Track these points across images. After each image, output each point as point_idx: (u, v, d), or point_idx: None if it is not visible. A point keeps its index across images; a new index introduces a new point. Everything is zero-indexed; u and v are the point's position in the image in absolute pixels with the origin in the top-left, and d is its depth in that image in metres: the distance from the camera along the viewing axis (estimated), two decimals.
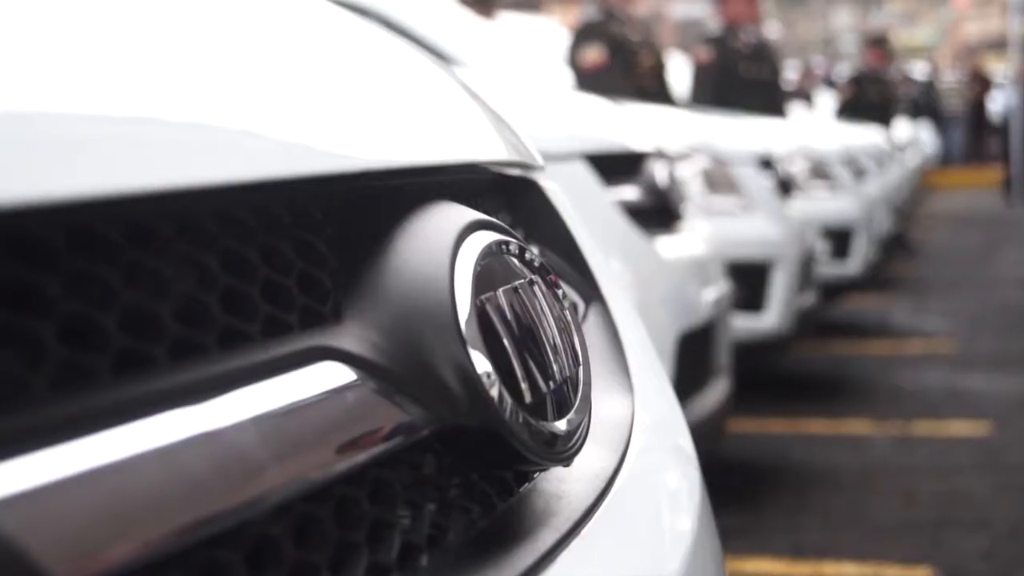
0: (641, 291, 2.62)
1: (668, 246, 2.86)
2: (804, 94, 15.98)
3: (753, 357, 4.43)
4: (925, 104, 22.18)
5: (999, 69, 24.00)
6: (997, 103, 21.87)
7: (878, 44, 13.27)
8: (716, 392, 3.03)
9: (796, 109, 12.39)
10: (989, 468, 4.17)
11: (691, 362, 2.83)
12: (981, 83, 22.77)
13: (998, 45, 27.04)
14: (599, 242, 2.49)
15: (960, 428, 4.72)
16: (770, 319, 4.59)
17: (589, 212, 2.55)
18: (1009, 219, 14.41)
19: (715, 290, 3.10)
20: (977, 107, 22.84)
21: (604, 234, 2.57)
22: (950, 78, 25.13)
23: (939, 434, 4.66)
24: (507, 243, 0.69)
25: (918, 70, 24.61)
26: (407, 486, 0.60)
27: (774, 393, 5.38)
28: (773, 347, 4.67)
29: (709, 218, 4.20)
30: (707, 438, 2.95)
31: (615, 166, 2.79)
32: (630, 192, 2.80)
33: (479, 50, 5.45)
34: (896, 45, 17.58)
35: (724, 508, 3.63)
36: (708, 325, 3.00)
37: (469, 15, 6.34)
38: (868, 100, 12.60)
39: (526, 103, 2.81)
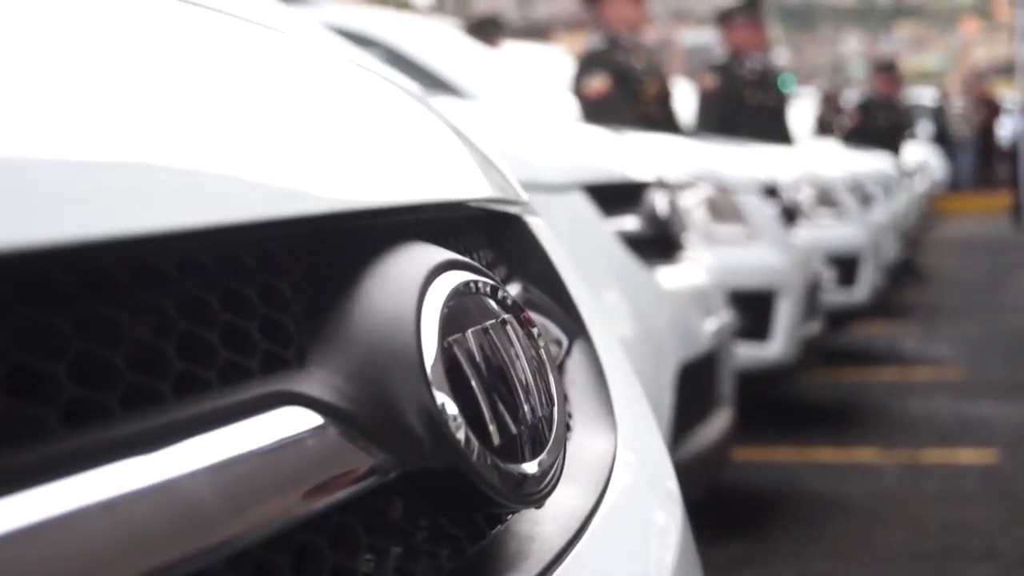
0: (641, 322, 2.61)
1: (669, 276, 2.86)
2: (826, 124, 15.62)
3: (759, 386, 4.41)
4: (934, 129, 22.18)
5: (1008, 95, 24.00)
6: (1006, 128, 21.86)
7: (886, 70, 13.28)
8: (719, 422, 3.02)
9: (820, 141, 12.37)
10: (998, 496, 4.15)
11: (693, 392, 2.82)
12: (988, 108, 22.77)
13: (1006, 70, 27.06)
14: (598, 273, 2.51)
15: (969, 456, 4.70)
16: (775, 348, 4.58)
17: (588, 243, 2.54)
18: (1018, 245, 14.37)
19: (717, 320, 3.10)
20: (985, 132, 22.83)
21: (603, 265, 2.56)
22: (959, 104, 25.16)
23: (947, 462, 4.64)
24: (478, 283, 0.69)
25: (927, 96, 24.62)
26: (371, 531, 0.60)
27: (782, 421, 5.37)
28: (779, 376, 4.66)
29: (713, 247, 4.20)
30: (710, 468, 2.94)
31: (616, 196, 2.79)
32: (630, 222, 2.80)
33: (485, 80, 5.46)
34: (905, 71, 17.57)
35: (732, 536, 3.64)
36: (710, 355, 2.99)
37: (474, 45, 6.36)
38: (876, 126, 12.61)
39: (525, 134, 2.81)
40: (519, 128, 2.87)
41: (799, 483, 4.40)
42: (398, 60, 5.25)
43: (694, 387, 2.83)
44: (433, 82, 5.11)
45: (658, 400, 2.60)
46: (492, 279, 0.71)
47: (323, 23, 4.68)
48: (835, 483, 4.40)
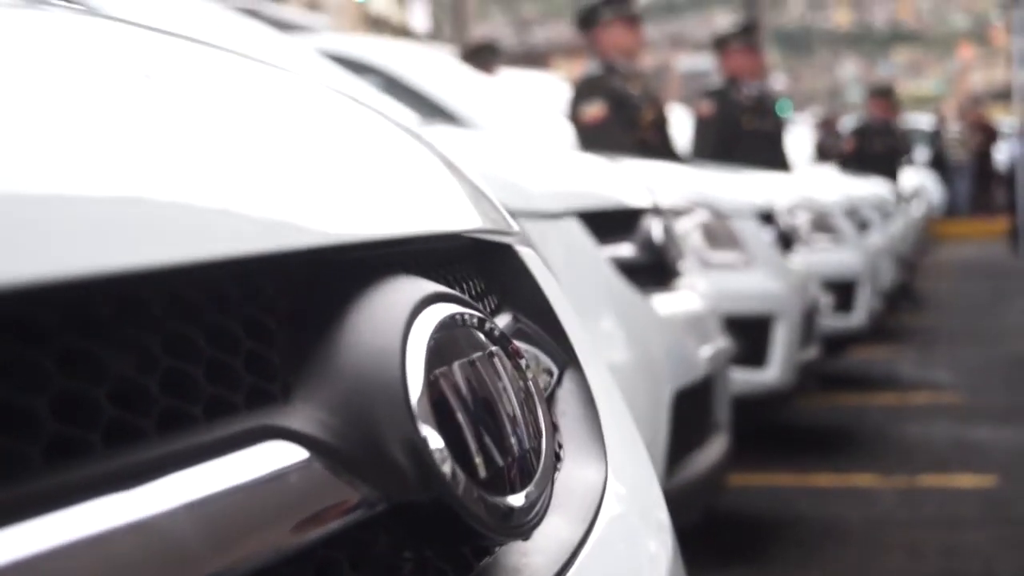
0: (637, 349, 2.61)
1: (665, 303, 2.86)
2: (824, 149, 15.51)
3: (756, 412, 4.41)
4: (931, 154, 22.22)
5: (1005, 120, 24.05)
6: (1003, 153, 21.89)
7: (883, 95, 13.29)
8: (715, 448, 3.02)
9: (818, 166, 12.37)
10: (995, 521, 4.14)
11: (689, 418, 2.81)
12: (985, 133, 22.81)
13: (1003, 95, 27.15)
14: (593, 300, 2.51)
15: (966, 481, 4.69)
16: (772, 373, 4.57)
17: (583, 270, 2.54)
18: (1015, 269, 14.37)
19: (713, 346, 3.10)
20: (982, 157, 22.87)
21: (598, 292, 2.56)
22: (956, 129, 25.22)
23: (945, 486, 4.63)
24: (465, 315, 0.69)
25: (924, 121, 24.68)
26: (356, 565, 0.60)
27: (779, 446, 5.36)
28: (776, 401, 4.66)
29: (710, 272, 4.20)
30: (706, 494, 2.94)
31: (611, 223, 2.79)
32: (625, 249, 2.80)
33: (481, 107, 5.48)
34: (902, 96, 17.59)
35: (729, 562, 3.63)
36: (706, 381, 2.99)
37: (471, 72, 6.38)
38: (873, 151, 12.62)
39: (520, 162, 2.82)
40: (514, 155, 2.87)
41: (796, 508, 4.39)
42: (395, 87, 5.27)
43: (690, 413, 2.83)
44: (430, 109, 5.13)
45: (654, 426, 2.60)
46: (479, 311, 0.71)
47: (321, 51, 4.70)
48: (833, 508, 4.39)
